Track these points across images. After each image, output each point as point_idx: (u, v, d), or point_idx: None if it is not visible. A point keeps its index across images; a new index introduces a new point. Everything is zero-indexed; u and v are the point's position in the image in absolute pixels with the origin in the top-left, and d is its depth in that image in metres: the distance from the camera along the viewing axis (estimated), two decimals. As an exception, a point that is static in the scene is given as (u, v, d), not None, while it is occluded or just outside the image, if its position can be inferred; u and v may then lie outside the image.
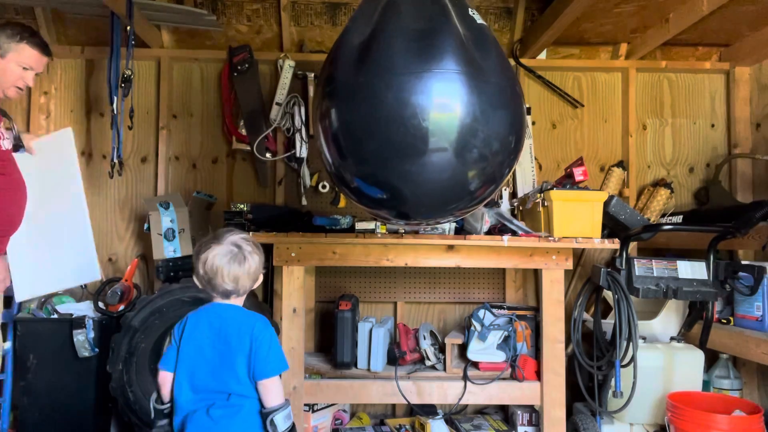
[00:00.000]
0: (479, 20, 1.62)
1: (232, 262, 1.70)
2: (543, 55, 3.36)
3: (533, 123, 3.36)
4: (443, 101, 1.44)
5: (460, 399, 2.54)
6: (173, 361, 1.71)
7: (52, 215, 2.54)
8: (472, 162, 1.50)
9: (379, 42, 1.49)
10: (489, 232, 2.55)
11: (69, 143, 2.63)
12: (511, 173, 1.70)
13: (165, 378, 1.73)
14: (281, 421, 1.66)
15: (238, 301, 1.77)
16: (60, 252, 2.54)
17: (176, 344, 1.72)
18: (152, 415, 1.75)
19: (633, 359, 2.33)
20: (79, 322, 2.69)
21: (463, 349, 2.68)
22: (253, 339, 1.67)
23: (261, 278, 1.80)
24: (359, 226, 2.54)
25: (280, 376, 1.70)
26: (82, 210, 2.58)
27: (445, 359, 2.68)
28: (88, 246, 2.60)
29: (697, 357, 2.57)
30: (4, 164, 2.29)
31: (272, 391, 1.67)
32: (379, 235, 2.46)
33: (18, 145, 2.44)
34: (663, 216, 3.17)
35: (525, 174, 3.27)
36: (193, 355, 1.69)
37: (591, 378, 2.61)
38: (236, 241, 1.73)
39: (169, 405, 1.73)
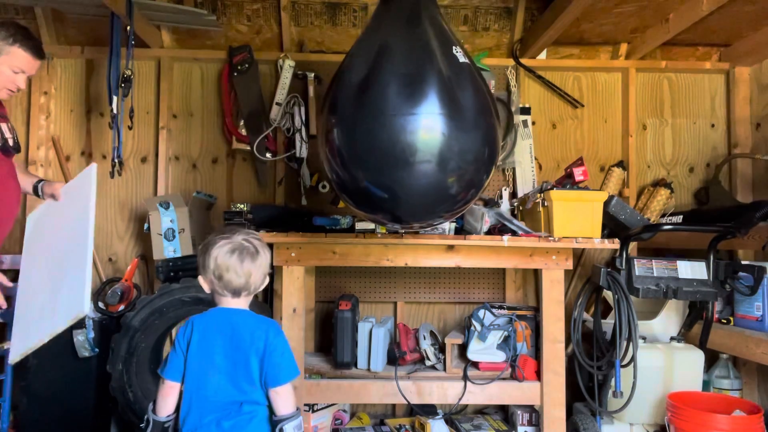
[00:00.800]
0: (461, 59, 1.85)
1: (245, 256, 1.67)
2: (543, 55, 3.36)
3: (533, 123, 3.36)
4: (427, 135, 1.73)
5: (460, 399, 2.54)
6: (180, 370, 1.65)
7: (59, 253, 2.34)
8: (451, 171, 1.77)
9: (374, 84, 1.77)
10: (489, 232, 2.55)
11: (90, 180, 2.44)
12: (489, 179, 1.91)
13: (171, 388, 1.67)
14: (295, 429, 1.63)
15: (248, 300, 1.73)
16: (54, 294, 2.25)
17: (183, 353, 1.66)
18: (149, 428, 1.67)
19: (633, 359, 2.33)
20: (79, 322, 2.68)
21: (463, 349, 2.68)
22: (267, 344, 1.63)
23: (268, 279, 1.77)
24: (359, 226, 2.54)
25: (293, 383, 1.68)
26: (86, 245, 2.32)
27: (445, 359, 2.68)
28: (80, 279, 2.24)
29: (697, 357, 2.57)
30: None
31: (284, 399, 1.64)
32: (379, 235, 2.46)
33: (9, 149, 2.37)
34: (663, 216, 3.17)
35: (525, 174, 3.27)
36: (205, 365, 1.64)
37: (591, 378, 2.61)
38: (246, 237, 1.71)
39: (171, 418, 1.67)
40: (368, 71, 1.80)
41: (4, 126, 2.32)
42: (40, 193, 2.45)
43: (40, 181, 2.47)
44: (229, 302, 1.71)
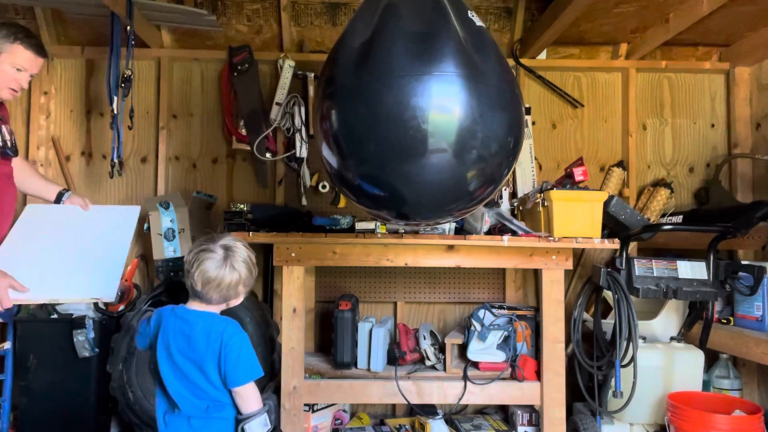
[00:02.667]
0: (478, 22, 1.63)
1: (212, 263, 1.64)
2: (543, 55, 3.36)
3: (533, 123, 3.36)
4: (442, 103, 1.45)
5: (460, 399, 2.54)
6: (145, 343, 1.77)
7: (90, 244, 2.36)
8: (471, 163, 1.52)
9: (379, 44, 1.50)
10: (489, 232, 2.55)
11: (132, 220, 2.49)
12: (510, 174, 1.71)
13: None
14: (257, 427, 1.63)
15: (214, 308, 1.71)
16: (83, 272, 2.25)
17: (149, 336, 1.74)
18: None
19: (633, 359, 2.33)
20: (79, 322, 2.69)
21: (463, 349, 2.68)
22: (222, 345, 1.62)
23: (240, 297, 1.72)
24: (359, 226, 2.54)
25: (255, 382, 1.67)
26: (122, 257, 2.35)
27: (445, 359, 2.68)
28: (115, 274, 2.31)
29: (697, 357, 2.57)
30: None
31: (245, 399, 1.64)
32: (379, 235, 2.46)
33: (8, 151, 2.37)
34: (663, 216, 3.17)
35: (525, 174, 3.27)
36: (165, 362, 1.66)
37: (591, 378, 2.61)
38: (228, 245, 1.68)
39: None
40: (372, 32, 1.55)
41: (4, 128, 2.31)
42: (62, 202, 2.46)
43: (67, 190, 2.48)
44: (192, 304, 1.70)
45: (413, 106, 1.42)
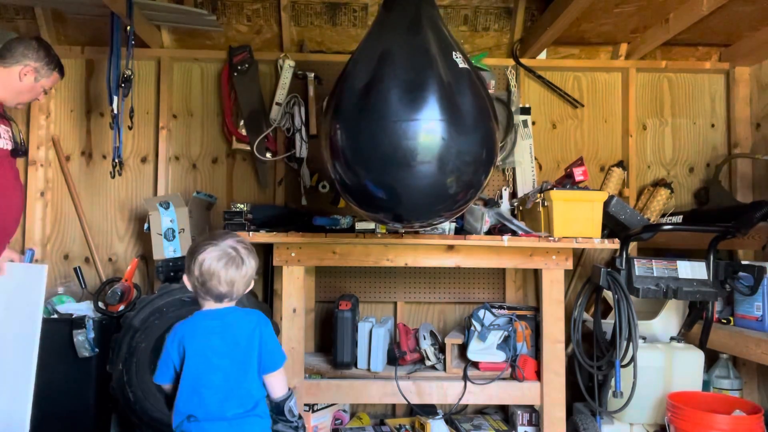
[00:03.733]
0: (461, 64, 1.89)
1: (230, 265, 1.66)
2: (543, 55, 3.36)
3: (533, 123, 3.36)
4: (428, 140, 1.78)
5: (460, 399, 2.54)
6: (170, 376, 1.68)
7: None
8: (450, 171, 1.81)
9: (376, 91, 1.82)
10: (489, 232, 2.55)
11: (40, 282, 2.33)
12: (489, 178, 1.95)
13: (166, 389, 1.73)
14: (295, 405, 1.74)
15: (231, 304, 1.74)
16: None
17: (173, 360, 1.67)
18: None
19: (633, 359, 2.33)
20: (79, 322, 2.69)
21: (463, 349, 2.68)
22: (261, 334, 1.68)
23: (252, 284, 1.77)
24: (359, 226, 2.54)
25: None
26: (31, 357, 2.21)
27: (445, 359, 2.68)
28: (23, 400, 2.16)
29: (697, 357, 2.57)
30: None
31: (282, 381, 1.73)
32: (379, 235, 2.46)
33: (18, 150, 2.40)
34: (663, 216, 3.17)
35: (525, 174, 3.27)
36: (203, 367, 1.64)
37: (591, 378, 2.61)
38: (233, 244, 1.69)
39: None
40: (370, 78, 1.85)
41: (13, 129, 2.38)
42: None
43: None
44: (211, 305, 1.71)
45: (404, 146, 1.77)
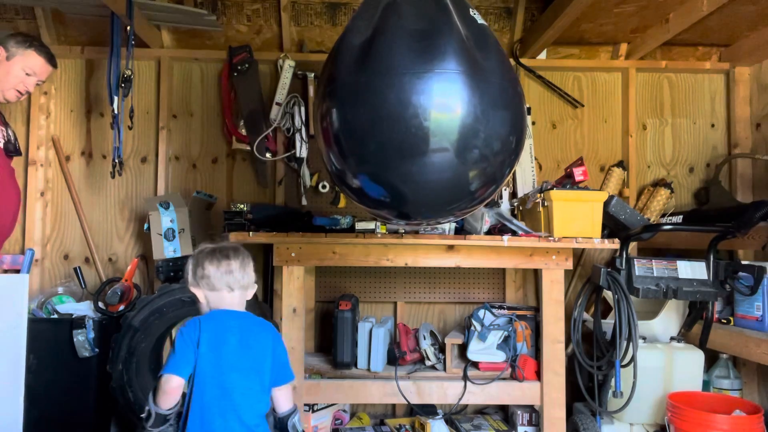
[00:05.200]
0: (480, 20, 1.62)
1: (227, 251, 1.74)
2: (543, 55, 3.36)
3: (533, 123, 3.36)
4: (445, 101, 1.44)
5: (460, 399, 2.54)
6: (189, 367, 1.65)
7: None
8: (473, 162, 1.51)
9: (381, 42, 1.49)
10: (489, 232, 2.55)
11: (22, 291, 2.16)
12: (511, 173, 1.72)
13: (179, 386, 1.66)
14: (299, 423, 1.75)
15: (247, 295, 1.78)
16: None
17: (193, 350, 1.65)
18: (150, 421, 1.65)
19: (633, 359, 2.33)
20: (79, 322, 2.68)
21: (463, 349, 2.68)
22: (274, 346, 1.72)
23: (255, 287, 1.82)
24: (359, 226, 2.54)
25: None
26: (20, 366, 2.07)
27: (445, 359, 2.68)
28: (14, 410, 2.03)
29: (697, 357, 2.57)
30: None
31: (291, 395, 1.76)
32: (379, 235, 2.46)
33: (10, 149, 2.39)
34: (663, 216, 3.17)
35: (525, 174, 3.27)
36: (222, 366, 1.65)
37: (591, 378, 2.61)
38: (230, 243, 1.80)
39: (174, 410, 1.67)
40: (373, 31, 1.54)
41: (9, 129, 2.36)
42: None
43: None
44: (225, 298, 1.72)
45: (415, 104, 1.40)
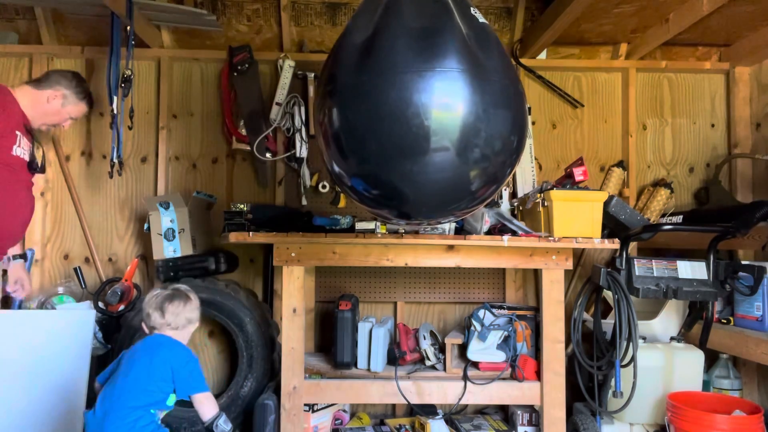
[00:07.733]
0: (481, 19, 1.62)
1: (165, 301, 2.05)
2: (543, 55, 3.36)
3: (533, 123, 3.36)
4: (446, 100, 1.44)
5: (460, 399, 2.54)
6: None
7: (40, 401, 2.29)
8: (474, 162, 1.50)
9: (381, 41, 1.49)
10: (489, 232, 2.55)
11: (89, 325, 2.52)
12: (512, 173, 1.71)
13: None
14: (223, 425, 1.95)
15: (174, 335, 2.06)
16: None
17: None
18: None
19: (633, 359, 2.33)
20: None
21: (463, 349, 2.68)
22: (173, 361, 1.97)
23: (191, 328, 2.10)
24: (359, 226, 2.54)
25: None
26: (82, 394, 2.35)
27: (445, 359, 2.67)
28: None
29: (697, 357, 2.57)
30: (10, 169, 2.31)
31: (205, 404, 1.96)
32: (379, 235, 2.46)
33: (34, 166, 2.51)
34: (663, 216, 3.17)
35: (525, 174, 3.27)
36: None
37: (591, 378, 2.61)
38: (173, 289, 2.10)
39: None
40: (374, 29, 1.54)
41: (34, 146, 2.52)
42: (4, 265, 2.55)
43: (17, 256, 2.63)
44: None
45: (416, 103, 1.40)
